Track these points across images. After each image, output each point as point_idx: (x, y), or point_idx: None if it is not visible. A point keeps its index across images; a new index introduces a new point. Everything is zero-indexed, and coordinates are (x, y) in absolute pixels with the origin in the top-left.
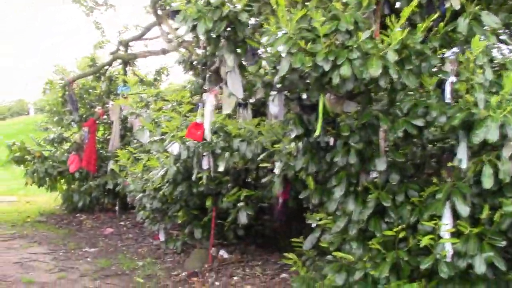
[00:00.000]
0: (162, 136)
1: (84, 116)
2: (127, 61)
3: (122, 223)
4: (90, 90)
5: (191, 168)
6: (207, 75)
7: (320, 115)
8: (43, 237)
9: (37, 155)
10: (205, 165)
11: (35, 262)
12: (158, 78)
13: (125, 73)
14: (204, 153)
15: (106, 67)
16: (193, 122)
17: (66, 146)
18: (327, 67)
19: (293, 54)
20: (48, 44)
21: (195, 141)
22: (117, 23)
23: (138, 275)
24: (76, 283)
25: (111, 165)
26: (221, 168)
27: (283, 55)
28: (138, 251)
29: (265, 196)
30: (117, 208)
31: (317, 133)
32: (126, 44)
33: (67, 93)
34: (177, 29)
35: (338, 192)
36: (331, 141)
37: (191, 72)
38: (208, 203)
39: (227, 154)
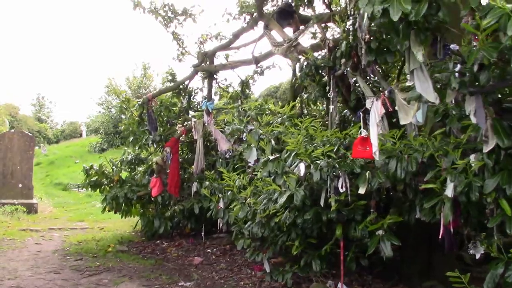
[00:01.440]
0: (277, 155)
1: (163, 135)
2: (213, 73)
3: (209, 250)
4: (171, 108)
5: (318, 191)
6: (331, 81)
7: None
8: (131, 270)
9: (116, 178)
10: (341, 187)
11: None
12: (246, 89)
13: (210, 87)
14: (340, 174)
15: (186, 82)
16: (359, 137)
17: (142, 168)
18: None
19: None
20: None
21: (329, 160)
22: (195, 34)
23: None
24: None
25: (195, 188)
26: (361, 191)
27: None
28: (240, 285)
29: (408, 221)
30: (202, 234)
31: None
32: (212, 55)
33: (144, 111)
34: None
35: None
36: None
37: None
38: (339, 231)
39: (367, 173)
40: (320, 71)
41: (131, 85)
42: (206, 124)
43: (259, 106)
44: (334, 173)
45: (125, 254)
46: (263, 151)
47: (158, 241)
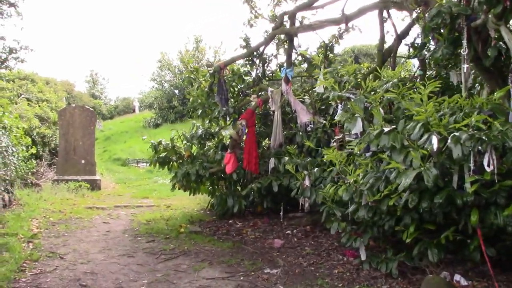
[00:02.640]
0: (393, 126)
1: (236, 107)
2: (293, 37)
3: (289, 232)
4: (244, 77)
5: (446, 170)
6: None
7: None
8: (209, 254)
9: (187, 154)
10: (488, 165)
11: None
12: (329, 54)
13: (290, 52)
14: (485, 148)
15: (261, 48)
16: None
17: (211, 143)
18: None
19: None
20: None
21: (474, 131)
22: None
23: None
24: None
25: (272, 164)
26: None
27: None
28: (334, 273)
29: None
30: (281, 214)
31: None
32: (292, 16)
33: (215, 81)
34: None
35: None
36: None
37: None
38: (474, 218)
39: None
40: (454, 22)
41: (183, 58)
42: (284, 94)
43: (357, 70)
44: (480, 148)
45: (198, 235)
46: (370, 122)
47: (230, 221)
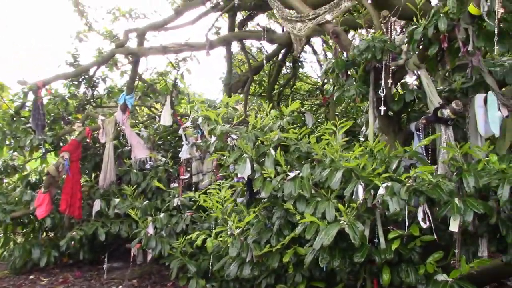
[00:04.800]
0: (296, 172)
1: (54, 137)
2: (140, 58)
3: None
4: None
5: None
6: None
7: None
8: None
9: None
10: (423, 221)
11: None
12: (179, 81)
13: (134, 76)
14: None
15: (95, 67)
16: None
17: (7, 179)
18: None
19: None
20: None
21: (413, 183)
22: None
23: None
24: None
25: (98, 206)
26: (454, 226)
27: None
28: None
29: None
30: (105, 266)
31: None
32: (141, 35)
33: (27, 102)
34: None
35: None
36: None
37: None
38: (386, 276)
39: (456, 201)
40: (381, 59)
41: None
42: (119, 124)
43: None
44: (420, 201)
45: None
46: (259, 164)
47: (32, 276)
